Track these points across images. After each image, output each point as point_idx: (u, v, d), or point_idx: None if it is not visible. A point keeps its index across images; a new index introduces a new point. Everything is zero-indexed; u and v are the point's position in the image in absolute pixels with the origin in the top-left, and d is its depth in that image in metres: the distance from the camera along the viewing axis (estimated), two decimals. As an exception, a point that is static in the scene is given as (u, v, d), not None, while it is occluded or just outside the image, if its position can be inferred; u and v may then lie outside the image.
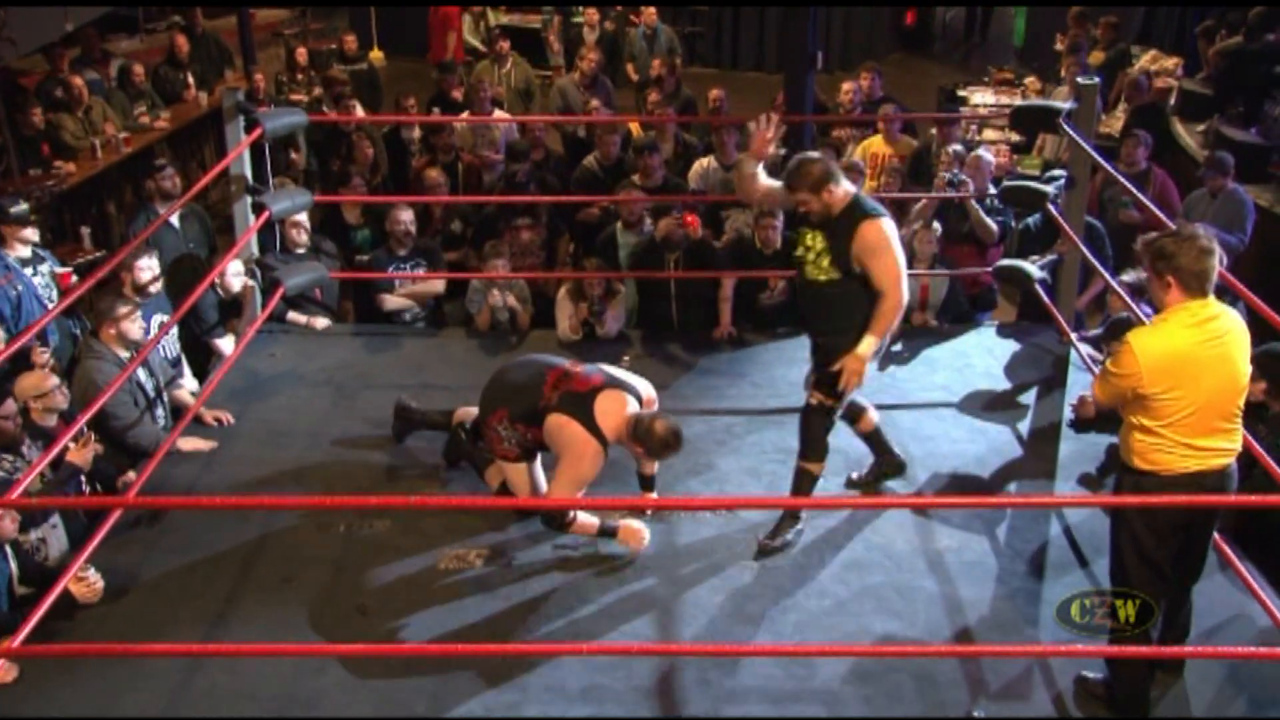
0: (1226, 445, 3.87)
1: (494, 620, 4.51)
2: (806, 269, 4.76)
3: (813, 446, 4.88)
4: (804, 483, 4.93)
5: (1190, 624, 4.26)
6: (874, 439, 5.31)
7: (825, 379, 4.77)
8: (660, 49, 11.73)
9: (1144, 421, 3.85)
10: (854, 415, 5.21)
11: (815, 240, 4.71)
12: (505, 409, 4.83)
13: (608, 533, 4.81)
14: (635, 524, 4.85)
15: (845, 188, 4.67)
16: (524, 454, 4.90)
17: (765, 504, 5.22)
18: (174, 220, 6.91)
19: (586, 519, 4.78)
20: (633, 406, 4.76)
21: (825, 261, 4.67)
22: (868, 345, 4.63)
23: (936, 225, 6.85)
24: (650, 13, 12.03)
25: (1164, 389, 3.77)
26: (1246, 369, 3.86)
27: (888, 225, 4.64)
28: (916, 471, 5.44)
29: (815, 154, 4.86)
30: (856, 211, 4.63)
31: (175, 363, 6.04)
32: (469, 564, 4.82)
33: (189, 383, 6.11)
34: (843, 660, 4.29)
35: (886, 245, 4.59)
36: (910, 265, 6.22)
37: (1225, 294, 5.73)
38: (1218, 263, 3.82)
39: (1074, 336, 6.28)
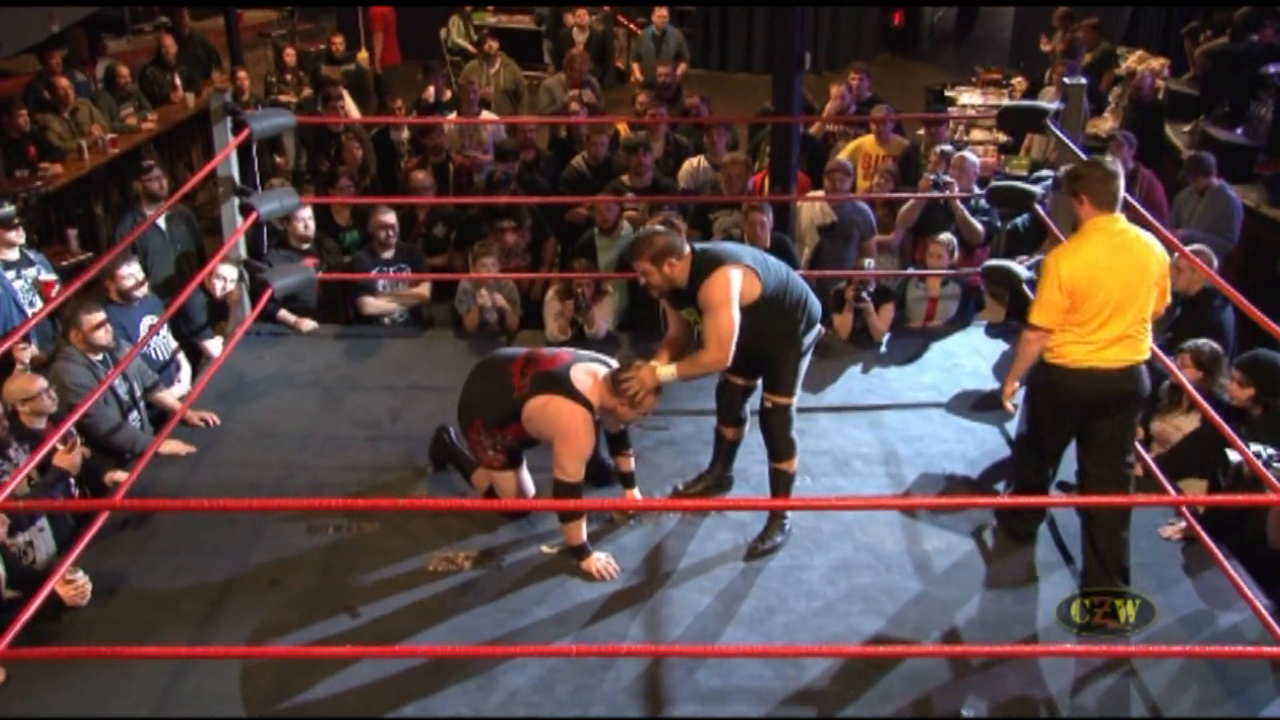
0: (1133, 346, 4.38)
1: (482, 622, 4.50)
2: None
3: (781, 446, 4.89)
4: (782, 483, 4.94)
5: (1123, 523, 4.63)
6: (726, 451, 5.25)
7: (775, 380, 4.80)
8: (668, 52, 11.70)
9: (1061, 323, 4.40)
10: (733, 420, 5.15)
11: (693, 315, 4.71)
12: (479, 419, 4.82)
13: (580, 553, 4.77)
14: (603, 561, 4.77)
15: (685, 255, 4.58)
16: (509, 460, 4.91)
17: (753, 505, 5.22)
18: (160, 222, 6.89)
19: (581, 525, 4.77)
20: (604, 372, 4.78)
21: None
22: (667, 372, 4.64)
23: (949, 236, 6.81)
24: (661, 14, 11.92)
25: (1082, 296, 4.31)
26: (1154, 280, 4.39)
27: (730, 275, 4.51)
28: (905, 472, 5.45)
29: (659, 227, 4.81)
30: (698, 274, 4.56)
31: (165, 366, 6.00)
32: (458, 566, 4.81)
33: (183, 386, 6.08)
34: (831, 661, 4.29)
35: (720, 303, 4.50)
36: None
37: (1216, 296, 5.81)
38: (1123, 185, 4.40)
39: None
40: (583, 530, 4.76)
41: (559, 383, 4.68)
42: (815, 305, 4.81)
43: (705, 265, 4.56)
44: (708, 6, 15.01)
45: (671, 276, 4.58)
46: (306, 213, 6.79)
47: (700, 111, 8.88)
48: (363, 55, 12.28)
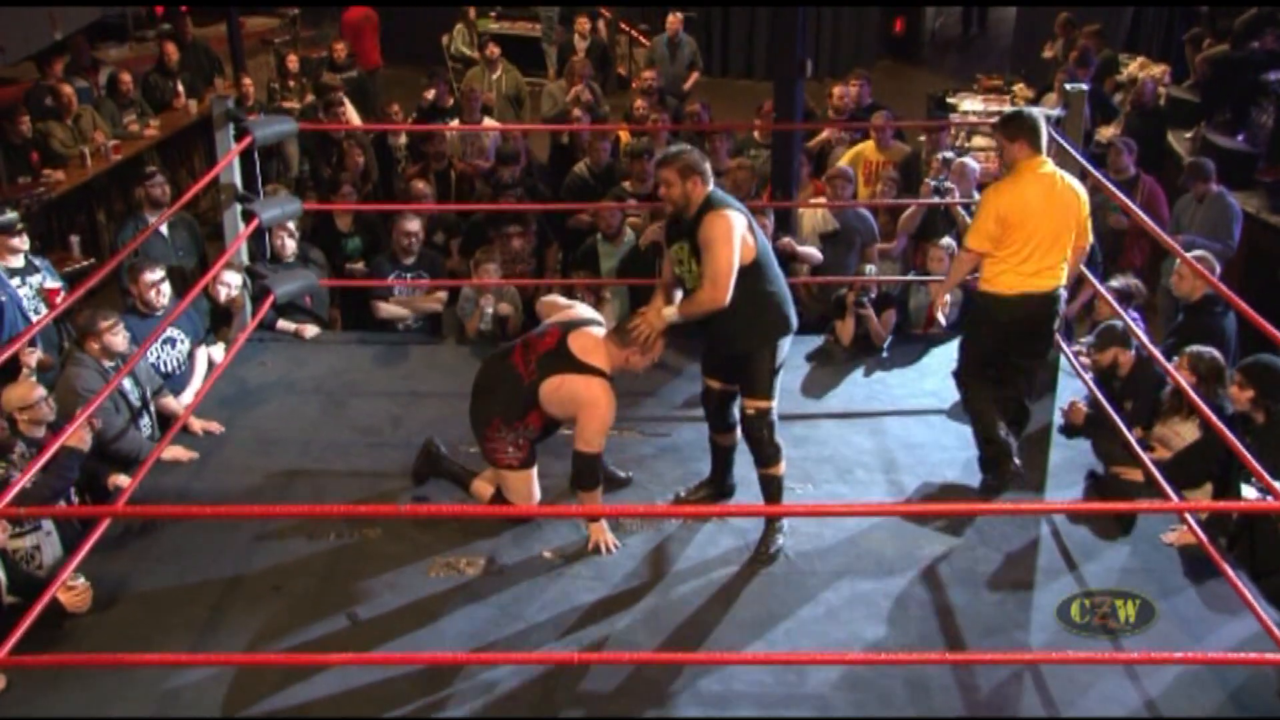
0: (1055, 275, 5.09)
1: (484, 628, 4.49)
2: (686, 283, 4.79)
3: (766, 451, 4.87)
4: (774, 488, 4.93)
5: (1024, 418, 5.42)
6: (723, 457, 5.23)
7: (751, 385, 4.79)
8: (683, 59, 11.67)
9: (994, 253, 5.07)
10: (724, 425, 5.12)
11: (683, 251, 4.72)
12: (497, 417, 4.82)
13: (594, 518, 4.86)
14: (610, 535, 4.86)
15: (707, 188, 4.65)
16: (528, 459, 4.91)
17: (755, 511, 5.21)
18: (163, 229, 6.89)
19: (598, 493, 4.83)
20: (600, 330, 4.81)
21: (696, 270, 4.67)
22: (669, 312, 4.69)
23: (950, 241, 6.79)
24: (673, 22, 11.78)
25: (1013, 226, 4.98)
26: (1078, 220, 5.09)
27: (734, 218, 4.57)
28: (906, 479, 5.45)
29: (688, 146, 4.84)
30: (705, 208, 4.61)
31: (171, 374, 6.00)
32: (459, 572, 4.80)
33: (190, 393, 6.08)
34: (834, 667, 4.28)
35: (722, 239, 4.54)
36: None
37: (1217, 302, 5.80)
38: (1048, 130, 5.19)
39: (1064, 345, 6.28)
40: (599, 497, 4.84)
41: (565, 360, 4.71)
42: (792, 312, 4.81)
43: (714, 203, 4.61)
44: (709, 7, 15.02)
45: (690, 196, 4.62)
46: (286, 231, 6.76)
47: (701, 118, 8.89)
48: (364, 62, 12.30)
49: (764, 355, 4.75)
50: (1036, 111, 5.20)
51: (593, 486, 4.82)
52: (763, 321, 4.72)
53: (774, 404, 4.84)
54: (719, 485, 5.27)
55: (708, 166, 4.68)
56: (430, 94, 9.84)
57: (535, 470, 4.99)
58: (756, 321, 4.71)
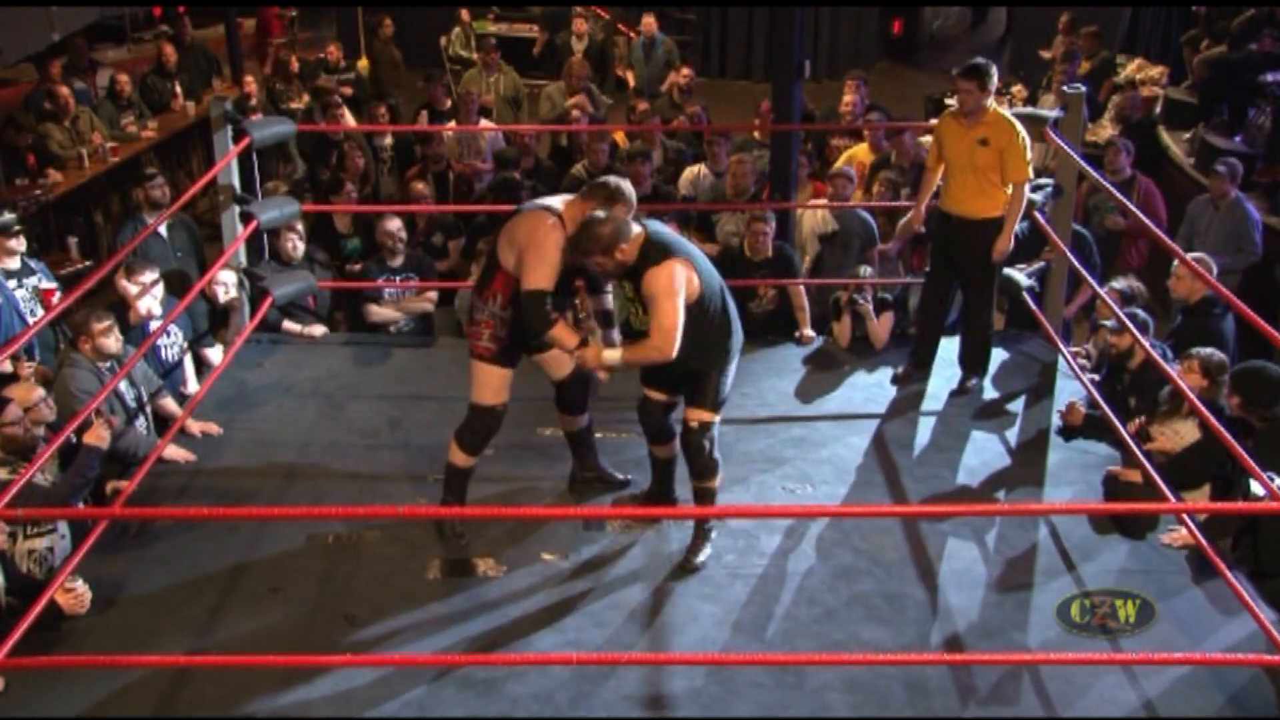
0: (979, 204, 5.80)
1: (482, 629, 4.49)
2: (632, 321, 4.77)
3: (704, 465, 4.78)
4: (707, 501, 4.87)
5: (985, 350, 6.11)
6: (662, 469, 5.12)
7: (698, 396, 4.72)
8: (658, 60, 11.72)
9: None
10: (663, 437, 5.02)
11: (628, 289, 4.70)
12: (474, 293, 4.83)
13: (575, 347, 4.67)
14: (593, 352, 4.66)
15: (635, 236, 4.54)
16: (502, 354, 4.81)
17: (754, 513, 5.22)
18: (161, 230, 6.89)
19: (562, 327, 4.66)
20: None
21: (640, 310, 4.64)
22: (611, 356, 4.59)
23: None
24: (649, 23, 12.00)
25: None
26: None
27: (676, 269, 4.48)
28: (904, 480, 5.45)
29: (598, 214, 4.59)
30: (645, 259, 4.52)
31: (174, 368, 6.02)
32: (457, 573, 4.80)
33: (188, 389, 6.10)
34: (832, 668, 4.28)
35: (665, 292, 4.44)
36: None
37: (1216, 304, 5.81)
38: None
39: (1062, 346, 6.29)
40: (565, 333, 4.66)
41: (523, 209, 4.70)
42: (738, 339, 4.76)
43: (653, 253, 4.52)
44: (706, 6, 15.02)
45: (624, 261, 4.53)
46: (296, 233, 6.76)
47: (700, 120, 8.89)
48: (363, 64, 12.29)
49: (715, 369, 4.70)
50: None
51: (546, 326, 4.60)
52: (714, 347, 4.67)
53: (718, 419, 4.78)
54: (657, 498, 5.16)
55: (620, 224, 4.50)
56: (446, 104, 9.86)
57: (508, 372, 4.85)
58: (707, 346, 4.64)
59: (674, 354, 4.48)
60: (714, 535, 4.91)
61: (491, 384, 4.86)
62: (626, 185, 4.73)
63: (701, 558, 4.82)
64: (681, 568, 4.80)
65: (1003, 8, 16.58)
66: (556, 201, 4.75)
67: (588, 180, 7.81)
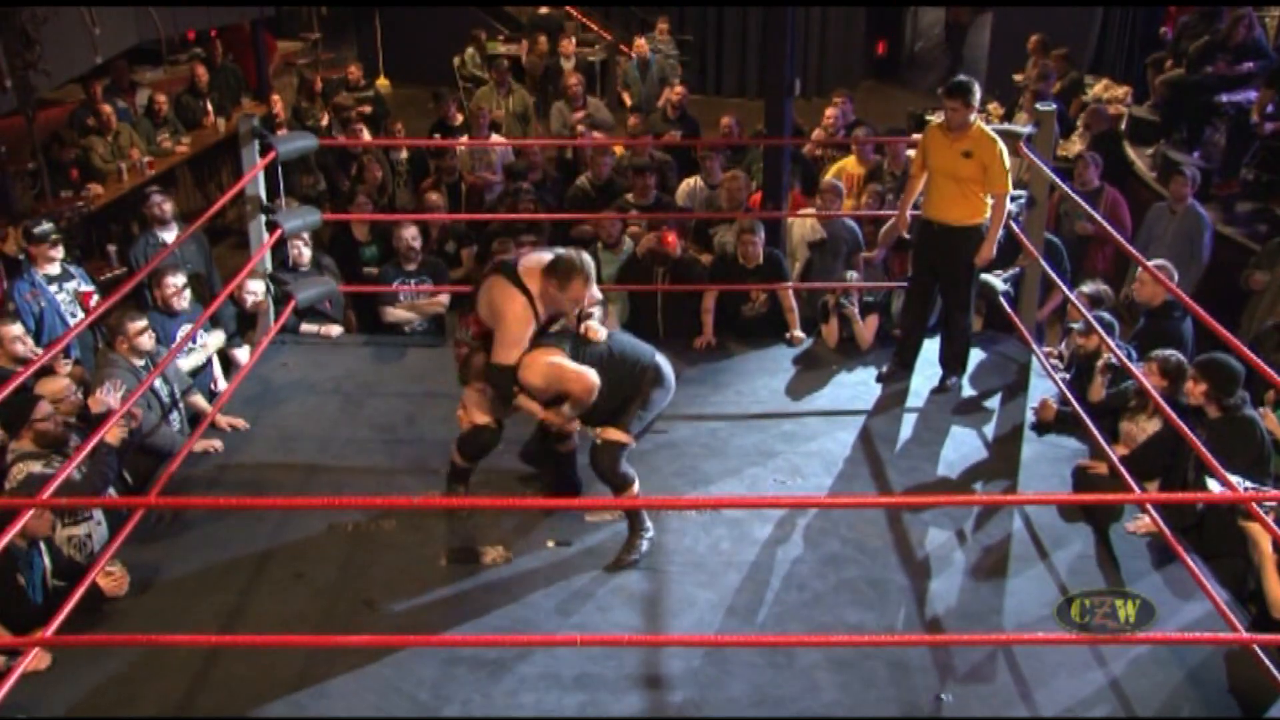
0: (959, 211, 5.76)
1: (493, 613, 4.48)
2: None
3: (619, 479, 4.69)
4: (630, 511, 4.81)
5: (964, 350, 6.10)
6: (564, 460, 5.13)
7: (614, 413, 4.66)
8: (653, 78, 11.73)
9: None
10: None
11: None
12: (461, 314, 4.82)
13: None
14: (557, 415, 4.67)
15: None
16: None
17: (747, 504, 5.21)
18: (170, 240, 6.87)
19: (530, 401, 4.65)
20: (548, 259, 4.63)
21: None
22: (567, 409, 4.60)
23: None
24: (640, 45, 12.09)
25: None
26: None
27: (536, 355, 4.54)
28: (889, 472, 5.44)
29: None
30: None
31: (198, 371, 6.01)
32: (469, 560, 4.79)
33: (217, 389, 6.10)
34: (820, 649, 4.28)
35: (572, 380, 4.51)
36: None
37: (1176, 307, 5.80)
38: None
39: (1035, 346, 6.27)
40: (527, 400, 4.65)
41: (508, 270, 4.60)
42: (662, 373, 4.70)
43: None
44: (704, 31, 15.00)
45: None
46: (301, 240, 6.73)
47: (733, 132, 8.91)
48: (381, 82, 12.29)
49: (637, 398, 4.65)
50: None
51: (511, 398, 4.63)
52: (631, 388, 4.64)
53: (630, 442, 4.67)
54: (561, 490, 5.13)
55: (586, 278, 4.53)
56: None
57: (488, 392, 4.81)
58: (624, 389, 4.63)
59: (594, 394, 4.51)
60: (650, 534, 4.80)
61: (479, 404, 4.87)
62: (583, 259, 4.58)
63: (634, 555, 4.74)
64: (615, 564, 4.72)
65: (979, 35, 16.54)
66: (530, 268, 4.60)
67: (591, 193, 7.91)
